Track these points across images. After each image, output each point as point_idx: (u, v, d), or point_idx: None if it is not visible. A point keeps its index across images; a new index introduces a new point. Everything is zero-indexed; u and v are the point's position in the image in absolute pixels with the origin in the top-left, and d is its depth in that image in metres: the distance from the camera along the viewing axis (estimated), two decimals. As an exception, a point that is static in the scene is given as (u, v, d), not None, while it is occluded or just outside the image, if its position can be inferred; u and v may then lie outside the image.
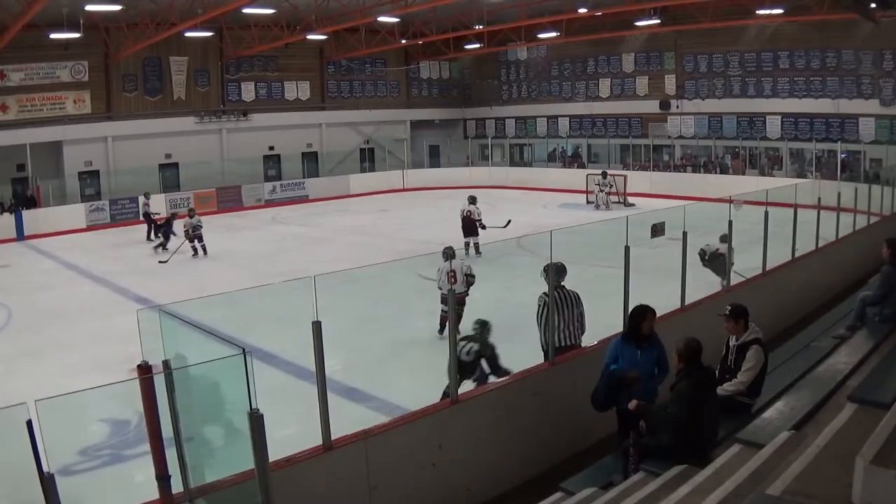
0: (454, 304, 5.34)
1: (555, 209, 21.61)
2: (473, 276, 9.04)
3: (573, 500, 4.45)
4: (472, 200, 15.66)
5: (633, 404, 4.78)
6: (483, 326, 6.54)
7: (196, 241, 16.42)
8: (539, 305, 6.42)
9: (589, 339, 6.47)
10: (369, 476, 4.65)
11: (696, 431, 4.54)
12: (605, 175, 22.93)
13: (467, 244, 14.99)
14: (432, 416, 5.16)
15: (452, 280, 8.28)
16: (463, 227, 15.24)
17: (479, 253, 14.47)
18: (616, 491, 4.40)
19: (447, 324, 8.19)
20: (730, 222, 8.59)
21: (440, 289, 9.16)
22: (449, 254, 8.25)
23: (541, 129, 31.02)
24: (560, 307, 6.31)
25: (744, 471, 3.61)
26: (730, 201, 8.75)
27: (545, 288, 6.28)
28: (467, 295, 8.82)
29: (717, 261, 11.72)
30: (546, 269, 6.35)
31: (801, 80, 23.09)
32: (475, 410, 5.40)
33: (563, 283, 6.51)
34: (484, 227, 14.56)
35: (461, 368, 6.44)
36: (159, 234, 18.07)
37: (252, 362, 3.11)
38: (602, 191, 22.55)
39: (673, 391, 4.69)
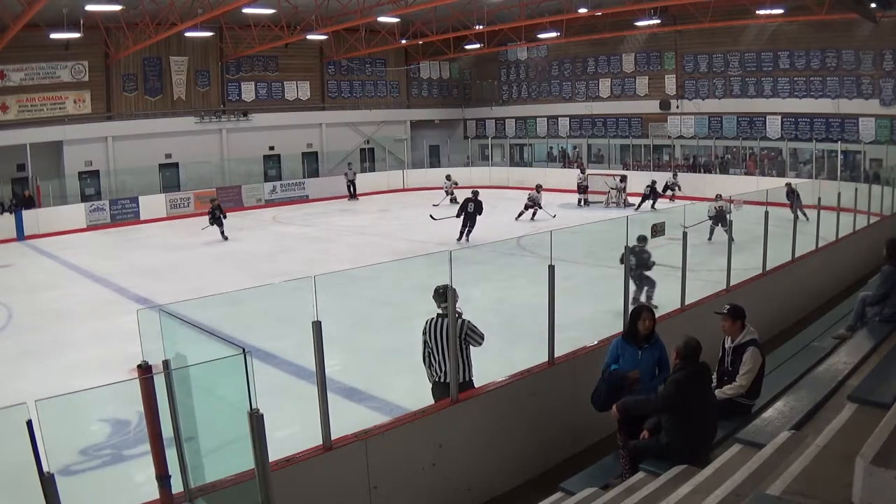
0: (453, 298, 5.29)
1: (555, 209, 21.57)
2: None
3: (573, 500, 4.45)
4: (583, 170, 24.45)
5: (613, 411, 4.79)
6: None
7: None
8: (424, 332, 5.73)
9: (589, 340, 6.46)
10: (369, 476, 4.65)
11: (693, 430, 4.53)
12: (623, 179, 23.36)
13: (579, 200, 23.47)
14: (432, 416, 5.15)
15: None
16: (578, 189, 23.64)
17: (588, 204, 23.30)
18: (616, 491, 4.40)
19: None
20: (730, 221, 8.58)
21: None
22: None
23: (541, 129, 31.03)
24: (435, 338, 5.66)
25: (744, 471, 3.61)
26: (730, 201, 8.74)
27: (545, 288, 6.17)
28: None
29: (635, 257, 8.71)
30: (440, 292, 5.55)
31: (801, 80, 23.10)
32: (475, 410, 5.39)
33: (457, 310, 5.51)
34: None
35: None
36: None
37: (252, 362, 3.11)
38: (619, 191, 23.09)
39: (666, 382, 4.71)
